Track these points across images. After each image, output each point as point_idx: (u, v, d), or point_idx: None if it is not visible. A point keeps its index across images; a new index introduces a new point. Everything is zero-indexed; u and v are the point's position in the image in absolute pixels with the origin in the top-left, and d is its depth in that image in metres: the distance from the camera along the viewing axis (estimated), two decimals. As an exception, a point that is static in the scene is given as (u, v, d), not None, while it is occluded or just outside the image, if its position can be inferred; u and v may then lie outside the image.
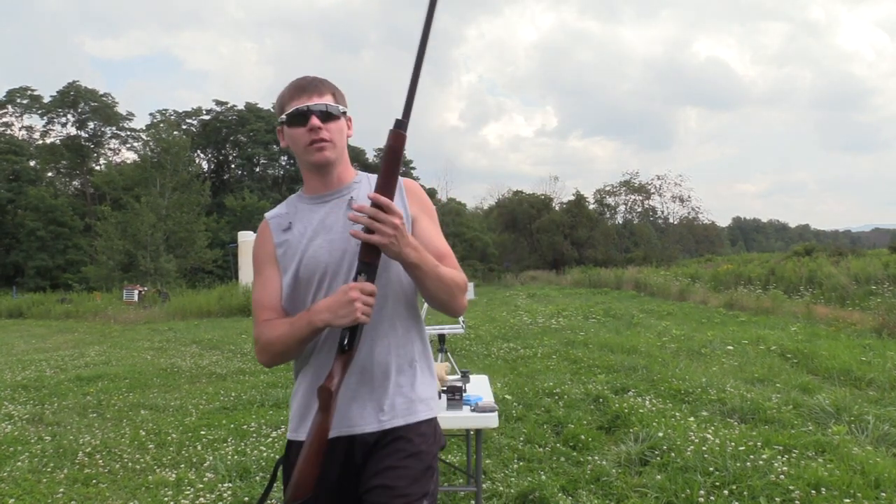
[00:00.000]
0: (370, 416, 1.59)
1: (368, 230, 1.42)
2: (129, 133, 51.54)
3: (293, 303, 1.65)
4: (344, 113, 1.65)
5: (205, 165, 52.68)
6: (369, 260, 1.46)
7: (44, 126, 50.21)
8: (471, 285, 5.05)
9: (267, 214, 1.74)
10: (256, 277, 1.70)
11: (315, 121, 1.57)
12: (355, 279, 1.46)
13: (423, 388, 1.66)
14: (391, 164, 1.45)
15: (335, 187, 1.67)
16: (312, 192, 1.69)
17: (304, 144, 1.60)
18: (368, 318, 1.45)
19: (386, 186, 1.45)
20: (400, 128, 1.44)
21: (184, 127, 49.11)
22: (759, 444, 4.21)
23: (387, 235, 1.41)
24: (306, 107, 1.58)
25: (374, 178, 1.67)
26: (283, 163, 53.27)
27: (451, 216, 42.37)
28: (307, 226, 1.65)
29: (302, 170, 1.70)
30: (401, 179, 1.66)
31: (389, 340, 1.61)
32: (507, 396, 5.99)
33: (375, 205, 1.41)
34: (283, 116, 1.62)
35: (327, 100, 1.61)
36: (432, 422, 1.67)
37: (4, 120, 49.34)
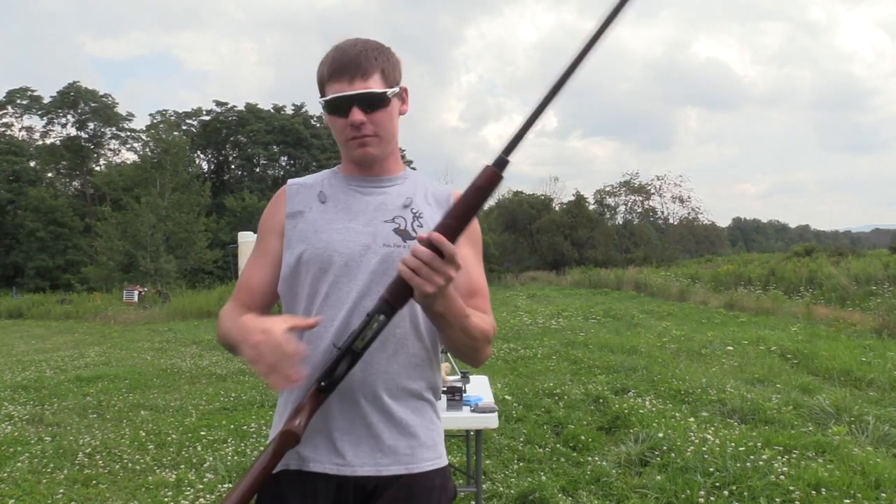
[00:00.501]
0: (366, 456, 1.31)
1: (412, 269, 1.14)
2: (128, 134, 51.53)
3: (290, 291, 1.39)
4: (396, 93, 1.36)
5: (205, 166, 52.70)
6: (394, 301, 1.18)
7: (44, 127, 50.20)
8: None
9: (290, 181, 1.48)
10: (253, 250, 1.45)
11: (357, 114, 1.30)
12: (371, 319, 1.18)
13: (430, 432, 1.39)
14: (473, 206, 1.15)
15: (377, 175, 1.42)
16: (349, 172, 1.44)
17: (345, 139, 1.36)
18: (287, 385, 1.16)
19: (456, 229, 1.15)
20: (500, 167, 1.14)
21: (184, 127, 49.12)
22: (759, 444, 4.21)
23: (434, 285, 1.13)
24: (347, 96, 1.30)
25: (426, 181, 1.47)
26: (283, 163, 53.31)
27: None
28: (331, 205, 1.40)
29: (342, 153, 1.44)
30: (449, 189, 1.46)
31: (394, 366, 1.33)
32: (507, 397, 5.99)
33: (436, 247, 1.12)
34: (322, 101, 1.35)
35: (374, 82, 1.31)
36: (442, 472, 1.38)
37: (4, 120, 49.34)
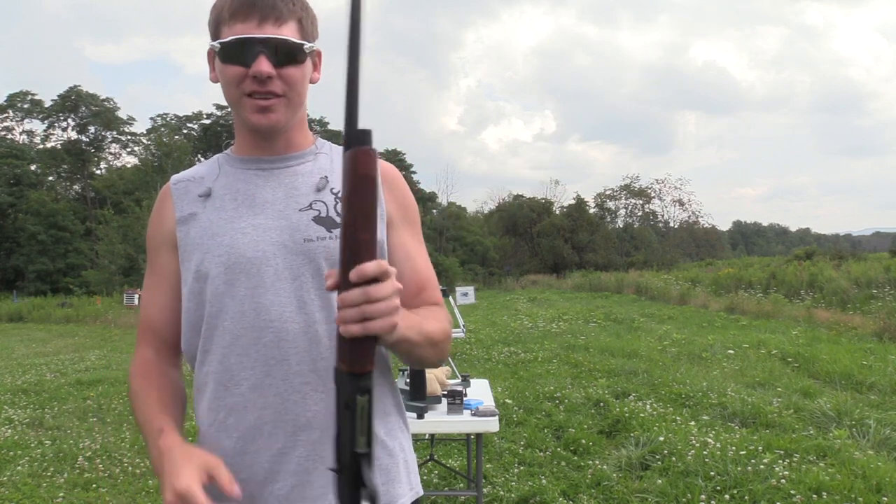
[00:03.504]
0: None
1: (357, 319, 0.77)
2: (129, 137, 51.65)
3: (191, 323, 1.09)
4: (311, 51, 1.09)
5: (205, 169, 52.74)
6: (361, 365, 0.77)
7: (44, 130, 50.29)
8: (471, 289, 5.03)
9: (173, 177, 1.18)
10: (147, 272, 1.17)
11: (264, 64, 1.02)
12: (354, 408, 0.76)
13: (406, 464, 1.15)
14: (371, 201, 0.75)
15: (280, 153, 1.14)
16: (244, 152, 1.15)
17: (239, 95, 1.06)
18: None
19: (369, 242, 0.76)
20: (366, 141, 0.75)
21: (184, 131, 49.20)
22: (760, 448, 4.21)
23: (393, 316, 0.80)
24: (254, 38, 1.02)
25: (341, 149, 0.95)
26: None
27: (452, 220, 42.39)
28: (228, 198, 1.10)
29: (235, 121, 1.15)
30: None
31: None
32: (507, 401, 5.98)
33: (368, 279, 0.76)
34: (216, 43, 1.06)
35: (289, 30, 1.05)
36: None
37: (5, 124, 49.48)
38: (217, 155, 1.20)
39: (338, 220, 1.08)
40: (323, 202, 1.10)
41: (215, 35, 1.07)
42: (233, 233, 1.07)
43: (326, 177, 1.13)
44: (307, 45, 1.07)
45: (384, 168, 1.15)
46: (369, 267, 0.76)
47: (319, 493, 1.05)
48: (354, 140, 0.77)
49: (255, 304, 1.04)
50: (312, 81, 1.13)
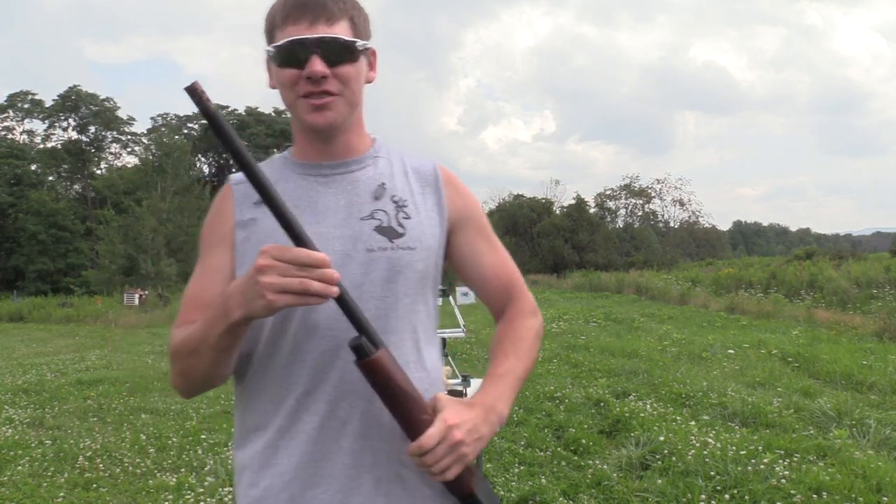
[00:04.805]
0: (368, 492, 1.05)
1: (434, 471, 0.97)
2: (129, 137, 51.67)
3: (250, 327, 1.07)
4: (365, 49, 1.09)
5: (206, 169, 52.80)
6: (464, 493, 1.02)
7: (45, 130, 50.37)
8: (472, 290, 5.02)
9: (232, 177, 1.17)
10: (198, 264, 1.15)
11: (317, 64, 1.01)
12: None
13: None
14: (392, 398, 0.97)
15: (340, 157, 1.13)
16: (304, 157, 1.14)
17: (295, 97, 1.06)
18: (290, 299, 0.88)
19: (407, 422, 0.97)
20: (366, 353, 0.94)
21: (185, 131, 49.24)
22: (760, 448, 4.21)
23: (463, 460, 0.97)
24: (306, 39, 1.02)
25: (401, 154, 1.20)
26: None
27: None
28: (290, 205, 1.01)
29: (293, 124, 1.15)
30: (433, 163, 1.20)
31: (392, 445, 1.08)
32: (507, 400, 5.98)
33: (421, 452, 0.95)
34: (271, 48, 1.06)
35: (341, 28, 1.04)
36: None
37: (6, 124, 49.54)
38: (275, 156, 1.19)
39: (399, 229, 1.10)
40: (384, 211, 1.10)
41: (270, 41, 1.07)
42: None
43: (384, 184, 1.13)
44: (360, 43, 1.06)
45: (444, 172, 1.19)
46: (423, 441, 0.94)
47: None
48: (361, 351, 0.93)
49: (314, 312, 1.04)
50: (368, 81, 1.13)
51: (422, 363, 1.11)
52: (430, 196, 1.15)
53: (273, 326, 1.06)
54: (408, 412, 0.96)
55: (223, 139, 0.86)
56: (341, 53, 1.04)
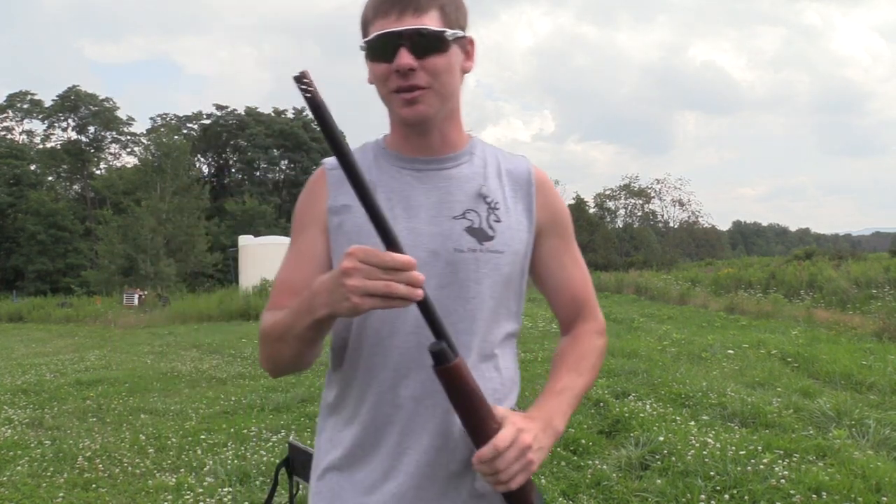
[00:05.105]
0: (436, 492, 1.07)
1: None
2: (129, 138, 51.67)
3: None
4: (459, 38, 1.06)
5: (205, 169, 52.84)
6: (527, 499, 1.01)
7: (44, 130, 50.38)
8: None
9: (327, 161, 1.15)
10: (290, 247, 1.14)
11: (405, 57, 1.00)
12: None
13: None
14: (465, 407, 0.96)
15: (436, 153, 1.11)
16: (399, 149, 1.13)
17: (387, 92, 1.05)
18: (375, 302, 0.87)
19: (477, 429, 0.96)
20: (446, 359, 0.94)
21: (184, 131, 49.26)
22: (759, 448, 4.21)
23: (530, 468, 0.97)
24: (393, 32, 1.01)
25: (496, 153, 1.18)
26: (284, 167, 53.37)
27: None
28: (383, 197, 1.08)
29: (390, 118, 1.14)
30: (528, 164, 1.17)
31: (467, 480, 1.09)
32: (507, 400, 5.98)
33: (492, 457, 0.95)
34: (362, 43, 1.06)
35: (429, 19, 1.02)
36: None
37: (5, 124, 49.55)
38: (368, 143, 1.18)
39: (490, 232, 1.09)
40: (476, 212, 1.09)
41: (364, 36, 1.07)
42: None
43: (483, 184, 1.12)
44: (449, 33, 1.03)
45: (538, 175, 1.17)
46: (486, 451, 0.94)
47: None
48: (441, 357, 0.93)
49: (400, 311, 1.02)
50: (465, 70, 1.11)
51: (496, 365, 1.12)
52: (522, 200, 1.14)
53: (359, 320, 1.08)
54: (479, 419, 0.96)
55: (327, 134, 0.85)
56: (429, 44, 1.01)
